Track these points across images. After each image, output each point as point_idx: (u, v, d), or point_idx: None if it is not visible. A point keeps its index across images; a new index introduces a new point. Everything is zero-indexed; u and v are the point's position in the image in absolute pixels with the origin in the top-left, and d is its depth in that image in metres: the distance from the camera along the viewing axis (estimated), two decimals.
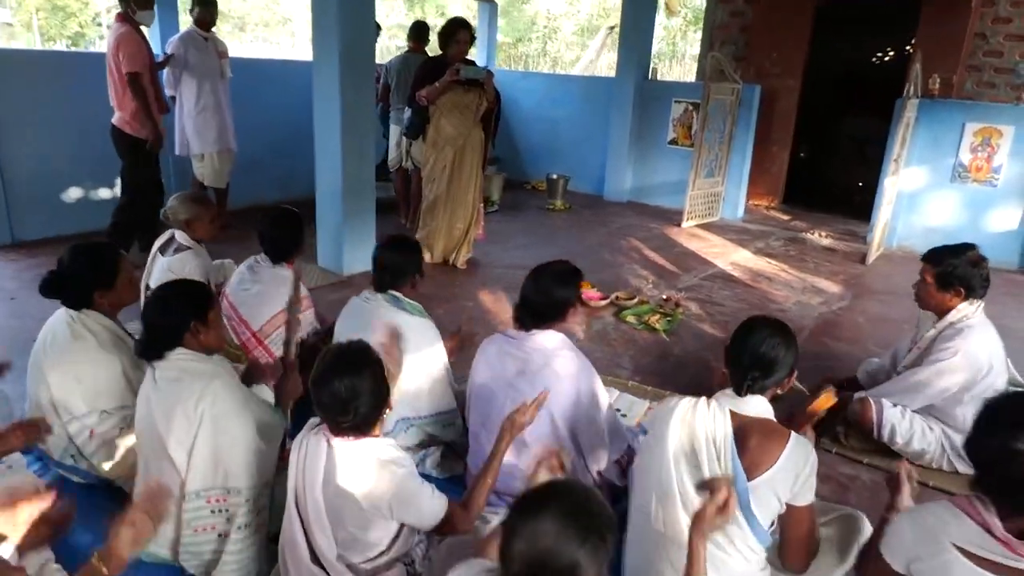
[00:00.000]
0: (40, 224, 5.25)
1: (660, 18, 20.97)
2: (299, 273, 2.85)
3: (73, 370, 2.41)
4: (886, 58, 8.99)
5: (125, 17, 4.48)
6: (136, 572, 2.12)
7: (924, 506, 1.65)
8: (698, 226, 7.21)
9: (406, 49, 6.43)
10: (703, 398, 1.94)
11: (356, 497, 1.76)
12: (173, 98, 5.18)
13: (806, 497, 1.79)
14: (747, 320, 1.98)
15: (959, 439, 2.90)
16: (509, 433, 2.04)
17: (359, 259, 4.89)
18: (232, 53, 5.68)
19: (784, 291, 5.30)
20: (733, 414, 1.85)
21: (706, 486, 1.68)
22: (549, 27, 22.56)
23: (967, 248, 2.84)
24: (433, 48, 5.73)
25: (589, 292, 4.77)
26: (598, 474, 2.48)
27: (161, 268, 3.40)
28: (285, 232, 3.07)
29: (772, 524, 1.88)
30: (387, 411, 1.83)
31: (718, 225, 7.35)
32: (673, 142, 7.77)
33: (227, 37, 22.20)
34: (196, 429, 2.05)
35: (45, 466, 2.58)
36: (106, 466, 2.42)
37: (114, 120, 4.69)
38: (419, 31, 6.21)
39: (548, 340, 2.39)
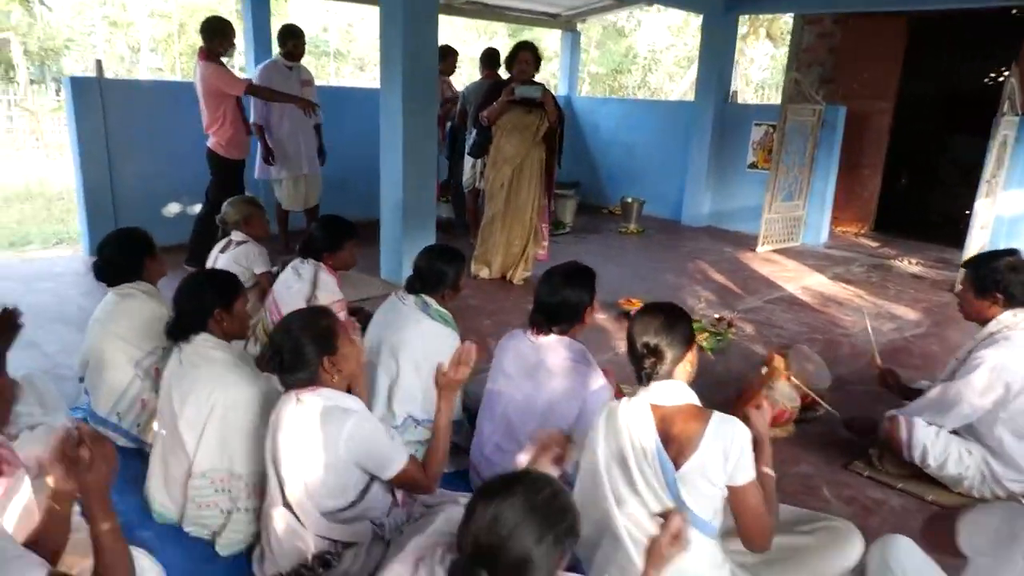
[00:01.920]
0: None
1: (768, 47, 20.58)
2: (321, 273, 3.07)
3: (129, 319, 2.78)
4: (990, 78, 8.40)
5: (210, 54, 4.97)
6: (146, 530, 2.36)
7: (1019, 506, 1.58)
8: (775, 251, 6.98)
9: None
10: (624, 399, 1.91)
11: (318, 442, 1.90)
12: (258, 125, 5.62)
13: (744, 475, 1.72)
14: (637, 312, 1.96)
15: (999, 466, 2.68)
16: (445, 389, 2.14)
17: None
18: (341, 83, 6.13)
19: (854, 316, 5.03)
20: (655, 407, 1.81)
21: (662, 517, 1.67)
22: (650, 58, 22.61)
23: (1008, 253, 2.65)
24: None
25: (636, 308, 4.73)
26: None
27: (225, 263, 3.74)
28: (320, 233, 3.29)
29: (717, 512, 1.80)
30: (331, 364, 1.97)
31: (797, 251, 7.08)
32: (753, 166, 7.59)
33: (349, 77, 23.75)
34: (207, 416, 2.24)
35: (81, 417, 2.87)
36: (141, 431, 2.71)
37: (209, 144, 5.19)
38: (490, 58, 6.46)
39: (562, 347, 2.42)
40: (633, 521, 1.81)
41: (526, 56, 4.90)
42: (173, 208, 6.12)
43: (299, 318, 2.06)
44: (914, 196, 8.65)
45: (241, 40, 6.07)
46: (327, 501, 1.98)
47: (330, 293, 3.17)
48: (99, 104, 5.41)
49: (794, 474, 2.93)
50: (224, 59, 5.10)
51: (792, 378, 3.32)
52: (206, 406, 2.24)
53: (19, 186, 9.66)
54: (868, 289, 5.76)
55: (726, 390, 3.71)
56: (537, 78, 5.12)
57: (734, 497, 1.76)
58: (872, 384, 3.37)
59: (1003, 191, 5.95)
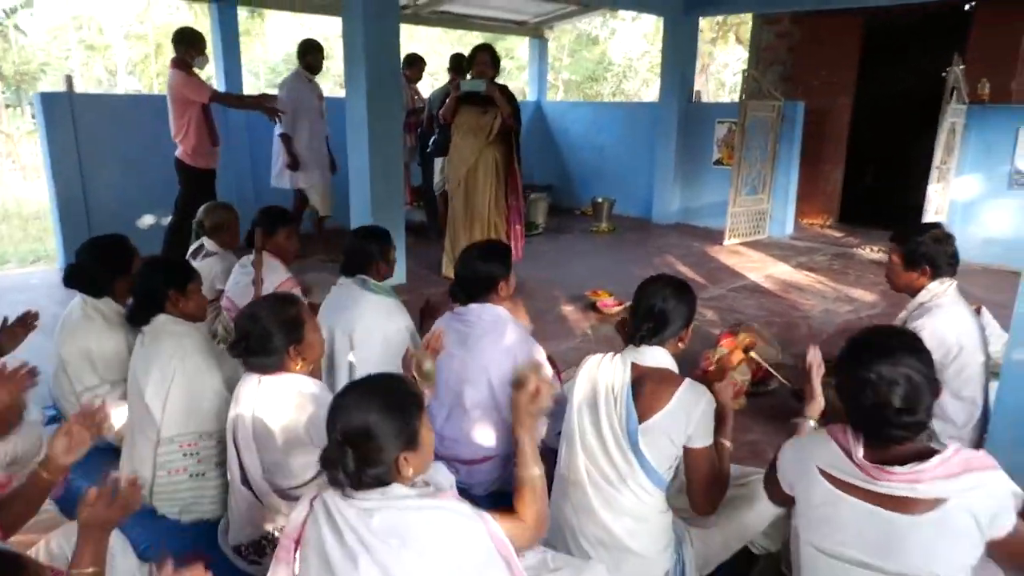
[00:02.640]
0: None
1: (739, 51, 20.94)
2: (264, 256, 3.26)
3: (84, 346, 2.78)
4: (944, 71, 8.65)
5: (180, 63, 5.07)
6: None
7: (808, 435, 1.74)
8: (742, 244, 7.15)
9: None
10: (610, 352, 2.07)
11: (277, 423, 2.00)
12: (283, 135, 5.74)
13: (702, 440, 1.87)
14: (647, 278, 2.10)
15: (938, 423, 2.82)
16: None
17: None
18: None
19: (813, 300, 5.20)
20: (635, 365, 1.96)
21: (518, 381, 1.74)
22: (624, 65, 22.91)
23: (933, 226, 2.80)
24: None
25: (604, 300, 4.88)
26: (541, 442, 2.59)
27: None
28: (257, 220, 3.43)
29: (671, 468, 1.95)
30: (297, 352, 2.06)
31: (763, 243, 7.26)
32: (718, 162, 7.78)
33: (328, 93, 23.82)
34: (170, 382, 2.35)
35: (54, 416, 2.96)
36: (110, 431, 2.76)
37: (176, 153, 5.28)
38: (456, 62, 6.61)
39: (487, 313, 2.56)
40: (593, 463, 1.96)
41: (483, 57, 5.03)
42: (147, 220, 6.21)
43: (267, 306, 2.13)
44: (876, 187, 8.88)
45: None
46: (284, 481, 2.07)
47: (276, 273, 3.29)
48: (70, 119, 5.50)
49: (744, 441, 3.06)
50: (196, 70, 5.20)
51: (750, 353, 3.47)
52: (168, 371, 2.34)
53: None
54: (829, 276, 5.93)
55: (682, 370, 3.85)
56: (512, 86, 5.24)
57: (688, 459, 1.91)
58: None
59: (955, 177, 6.16)
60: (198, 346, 2.41)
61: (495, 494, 2.57)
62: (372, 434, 1.41)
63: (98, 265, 2.82)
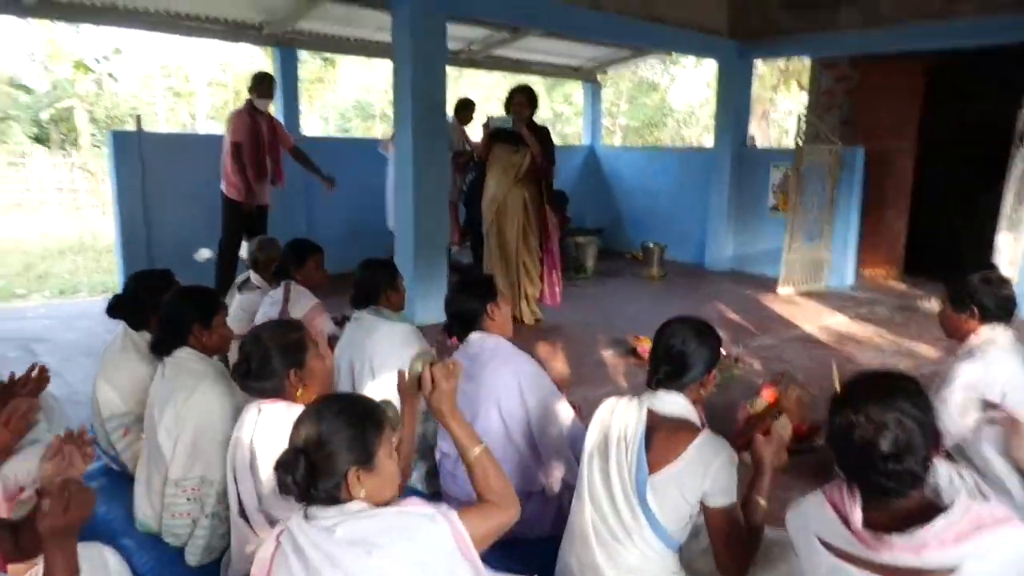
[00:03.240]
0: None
1: (803, 97, 20.64)
2: (292, 286, 3.29)
3: (116, 374, 2.82)
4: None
5: (249, 104, 5.37)
6: (129, 539, 2.45)
7: (805, 497, 1.58)
8: (797, 293, 6.88)
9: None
10: (627, 396, 1.96)
11: (274, 453, 1.95)
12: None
13: (723, 498, 1.74)
14: (668, 320, 2.00)
15: (988, 488, 2.58)
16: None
17: (431, 309, 5.20)
18: None
19: (869, 354, 4.93)
20: (651, 413, 1.85)
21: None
22: (686, 112, 22.89)
23: (986, 267, 2.62)
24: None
25: (645, 346, 4.73)
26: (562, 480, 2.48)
27: (235, 304, 3.91)
28: (286, 253, 3.47)
29: (684, 527, 1.82)
30: (298, 377, 2.04)
31: (821, 293, 6.97)
32: (774, 208, 7.57)
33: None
34: (184, 421, 2.31)
35: None
36: (128, 458, 2.79)
37: (221, 186, 5.53)
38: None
39: (486, 341, 2.51)
40: (599, 514, 1.85)
41: (519, 98, 5.06)
42: (204, 253, 6.40)
43: (269, 329, 2.13)
44: (946, 236, 8.44)
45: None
46: (280, 513, 2.02)
47: (306, 300, 3.31)
48: (137, 155, 5.79)
49: (783, 499, 2.85)
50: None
51: (788, 406, 3.28)
52: (183, 410, 2.33)
53: (74, 239, 10.26)
54: (889, 328, 5.63)
55: (722, 424, 3.68)
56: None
57: (708, 517, 1.78)
58: None
59: None
60: (215, 389, 2.35)
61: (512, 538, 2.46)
62: (322, 441, 1.44)
63: (139, 297, 2.84)
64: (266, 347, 2.04)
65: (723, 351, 4.63)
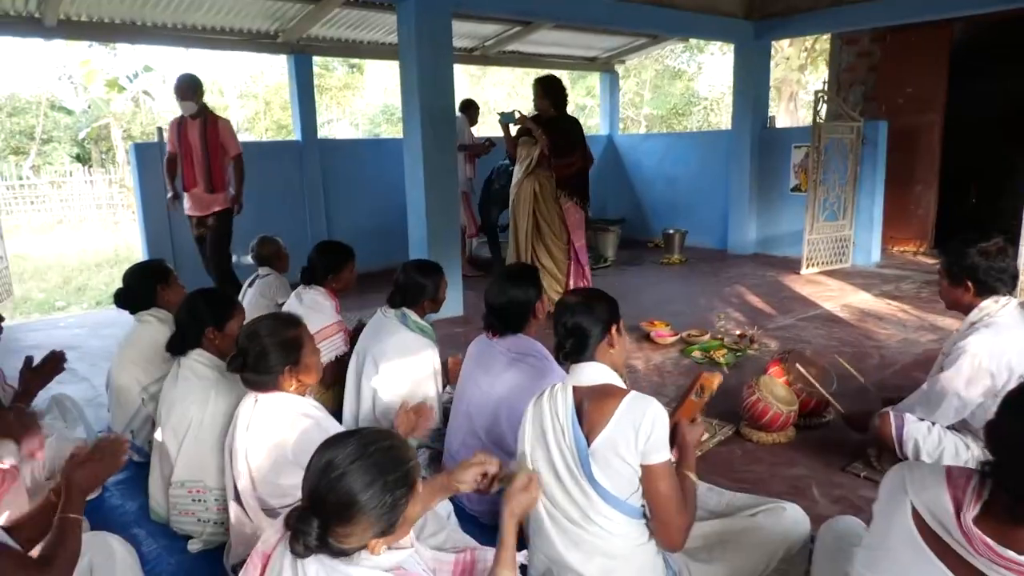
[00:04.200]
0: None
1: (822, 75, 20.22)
2: (318, 296, 3.32)
3: (131, 353, 3.01)
4: None
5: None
6: (141, 528, 2.54)
7: (926, 464, 1.48)
8: (821, 272, 6.76)
9: None
10: (550, 385, 1.95)
11: (269, 441, 2.03)
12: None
13: (658, 454, 1.71)
14: (558, 300, 2.00)
15: None
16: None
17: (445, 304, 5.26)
18: None
19: (891, 329, 4.82)
20: (575, 388, 1.84)
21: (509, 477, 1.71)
22: (713, 99, 22.56)
23: (985, 237, 2.53)
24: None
25: (660, 331, 4.72)
26: None
27: (252, 295, 4.08)
28: (322, 258, 3.50)
29: (635, 493, 1.77)
30: (293, 373, 2.09)
31: (845, 271, 6.84)
32: (796, 188, 7.44)
33: None
34: (187, 428, 2.39)
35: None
36: (143, 440, 2.94)
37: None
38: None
39: (516, 345, 2.50)
40: (552, 502, 1.83)
41: (535, 89, 5.04)
42: (245, 260, 6.58)
43: (267, 325, 2.15)
44: (978, 210, 8.19)
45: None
46: (271, 499, 2.08)
47: (325, 316, 3.33)
48: (159, 165, 5.95)
49: (786, 476, 2.85)
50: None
51: (787, 382, 3.25)
52: (186, 418, 2.39)
53: (110, 253, 10.62)
54: (914, 304, 5.51)
55: (728, 400, 3.64)
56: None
57: (646, 478, 1.74)
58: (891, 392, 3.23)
59: None
60: (219, 396, 2.40)
61: None
62: (350, 515, 1.26)
63: (137, 283, 3.11)
64: (263, 344, 2.07)
65: (738, 332, 4.60)
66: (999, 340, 2.43)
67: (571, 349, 1.87)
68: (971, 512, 1.21)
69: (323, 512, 1.26)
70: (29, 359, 2.79)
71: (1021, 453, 1.18)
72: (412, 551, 1.40)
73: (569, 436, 1.78)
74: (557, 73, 9.19)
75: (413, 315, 2.97)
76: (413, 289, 2.97)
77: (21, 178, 16.62)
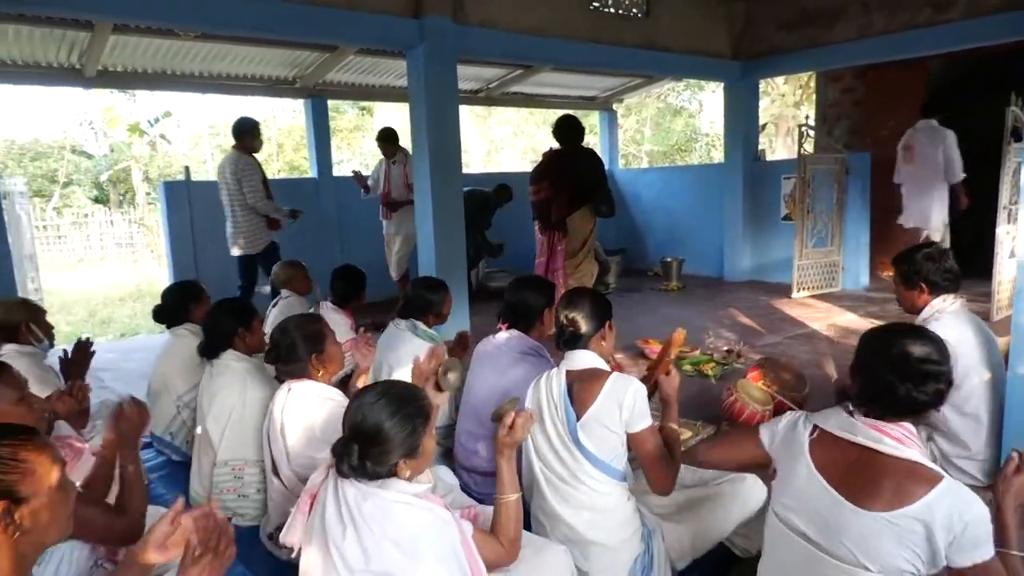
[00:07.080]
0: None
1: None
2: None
3: (169, 364, 3.39)
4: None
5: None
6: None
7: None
8: (812, 296, 7.10)
9: None
10: (547, 370, 2.32)
11: (302, 422, 2.38)
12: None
13: (639, 423, 2.05)
14: (561, 297, 2.37)
15: (945, 443, 2.83)
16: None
17: (452, 321, 5.60)
18: None
19: None
20: (569, 372, 2.20)
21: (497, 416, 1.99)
22: (714, 135, 23.14)
23: (927, 245, 2.90)
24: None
25: (653, 347, 5.04)
26: None
27: (275, 316, 4.43)
28: (342, 283, 3.88)
29: (618, 457, 2.10)
30: (318, 361, 2.45)
31: (835, 295, 7.16)
32: (787, 217, 7.81)
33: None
34: (228, 414, 2.77)
35: (147, 442, 3.47)
36: (181, 441, 3.29)
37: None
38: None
39: (521, 342, 2.84)
40: (545, 464, 2.18)
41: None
42: (263, 289, 6.99)
43: (295, 321, 2.57)
44: (961, 234, 8.50)
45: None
46: (305, 471, 2.42)
47: (338, 333, 3.68)
48: (187, 203, 6.40)
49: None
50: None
51: (763, 385, 3.57)
52: (228, 405, 2.77)
53: (132, 287, 11.07)
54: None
55: (716, 406, 3.97)
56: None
57: (634, 442, 2.09)
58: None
59: None
60: (256, 383, 2.81)
61: None
62: (380, 439, 1.61)
63: (173, 300, 3.53)
64: (292, 337, 2.48)
65: (725, 348, 4.93)
66: (947, 332, 2.75)
67: (570, 337, 2.24)
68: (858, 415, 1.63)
69: (360, 438, 1.63)
70: (65, 352, 3.19)
71: (870, 371, 1.63)
72: (430, 486, 1.74)
73: (561, 410, 2.13)
74: (562, 111, 9.70)
75: (422, 325, 3.34)
76: (421, 303, 3.34)
77: (44, 220, 17.25)
